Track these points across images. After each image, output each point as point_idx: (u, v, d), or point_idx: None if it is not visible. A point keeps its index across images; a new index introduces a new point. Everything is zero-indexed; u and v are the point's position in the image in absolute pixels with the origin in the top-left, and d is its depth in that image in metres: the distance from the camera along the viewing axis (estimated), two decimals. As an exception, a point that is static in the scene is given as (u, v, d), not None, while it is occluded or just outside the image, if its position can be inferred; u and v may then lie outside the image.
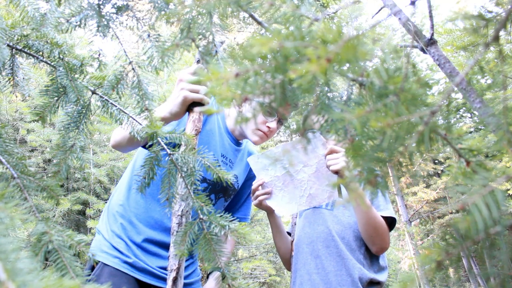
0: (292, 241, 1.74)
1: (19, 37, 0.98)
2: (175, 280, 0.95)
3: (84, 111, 1.04)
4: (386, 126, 0.36)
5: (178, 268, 0.95)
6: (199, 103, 1.17)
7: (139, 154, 1.74)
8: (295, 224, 1.78)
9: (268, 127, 1.67)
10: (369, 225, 1.50)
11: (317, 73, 0.31)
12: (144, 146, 1.58)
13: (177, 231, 0.98)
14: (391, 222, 1.57)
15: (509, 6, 0.36)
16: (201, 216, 0.99)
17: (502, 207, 0.38)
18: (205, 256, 0.96)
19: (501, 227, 0.38)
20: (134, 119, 1.04)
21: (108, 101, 1.04)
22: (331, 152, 1.48)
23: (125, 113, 1.04)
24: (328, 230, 1.60)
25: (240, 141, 1.82)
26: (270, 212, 1.69)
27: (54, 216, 4.45)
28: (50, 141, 4.67)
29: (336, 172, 1.43)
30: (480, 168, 0.39)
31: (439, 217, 9.70)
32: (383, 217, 1.54)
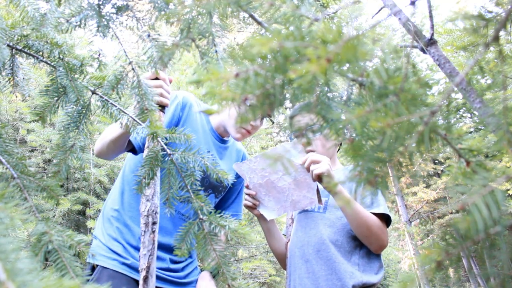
0: (287, 243, 1.74)
1: (19, 37, 0.98)
2: (145, 279, 0.95)
3: (84, 111, 1.04)
4: (386, 126, 0.36)
5: (148, 267, 0.96)
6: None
7: (129, 160, 1.75)
8: (290, 225, 1.78)
9: (252, 125, 1.67)
10: (360, 227, 1.49)
11: (317, 73, 0.31)
12: (130, 151, 1.59)
13: (144, 231, 0.99)
14: (386, 218, 1.56)
15: (509, 6, 0.36)
16: (201, 216, 0.99)
17: (502, 207, 0.38)
18: (204, 256, 0.96)
19: (501, 227, 0.38)
20: (134, 119, 1.04)
21: (108, 101, 1.04)
22: (308, 160, 1.50)
23: (125, 113, 1.04)
24: (319, 234, 1.58)
25: (226, 138, 1.80)
26: (258, 216, 1.72)
27: (54, 216, 4.45)
28: (50, 141, 4.67)
29: (319, 177, 1.45)
30: (480, 168, 0.39)
31: (439, 217, 9.70)
32: (377, 214, 1.52)
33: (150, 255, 0.96)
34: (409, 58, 0.39)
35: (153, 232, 0.98)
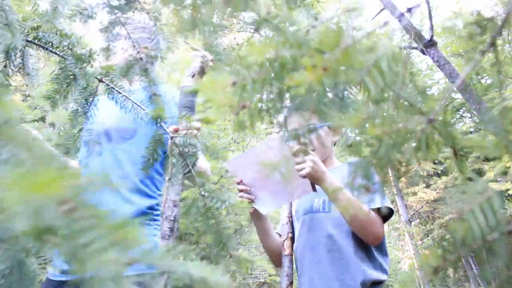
0: (284, 241, 1.71)
1: (30, 29, 1.02)
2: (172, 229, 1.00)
3: (91, 98, 1.09)
4: (383, 133, 0.36)
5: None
6: None
7: None
8: (286, 223, 1.75)
9: None
10: (352, 220, 1.49)
11: (313, 82, 0.32)
12: None
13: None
14: (388, 211, 1.54)
15: (504, 14, 0.36)
16: (203, 193, 1.01)
17: (499, 214, 0.38)
18: (207, 229, 1.00)
19: (498, 234, 0.38)
20: (138, 105, 1.08)
21: (114, 88, 1.07)
22: (296, 154, 1.48)
23: (130, 99, 1.08)
24: (328, 235, 1.57)
25: None
26: (251, 214, 1.68)
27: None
28: (50, 141, 4.67)
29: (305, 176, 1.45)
30: (476, 175, 0.39)
31: (439, 217, 9.71)
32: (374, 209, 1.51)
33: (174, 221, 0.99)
34: (407, 64, 0.39)
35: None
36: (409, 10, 0.86)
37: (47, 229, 0.32)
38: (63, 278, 1.51)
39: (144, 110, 1.07)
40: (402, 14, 2.66)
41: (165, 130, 1.08)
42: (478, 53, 0.38)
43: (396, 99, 0.37)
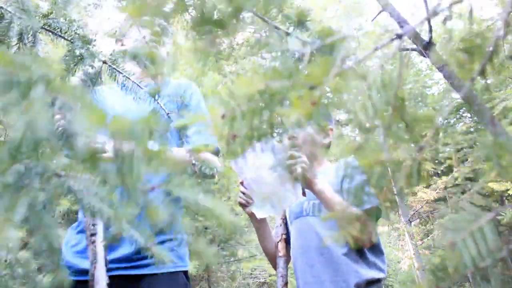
0: (278, 242, 1.71)
1: (41, 16, 1.11)
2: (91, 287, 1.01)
3: (95, 78, 1.15)
4: (374, 162, 0.36)
5: (93, 275, 1.00)
6: None
7: None
8: (280, 225, 1.76)
9: None
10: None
11: (302, 116, 0.31)
12: None
13: (87, 244, 1.08)
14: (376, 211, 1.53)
15: (495, 39, 0.36)
16: (193, 162, 1.09)
17: (490, 242, 0.38)
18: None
19: (491, 261, 0.38)
20: (138, 85, 1.14)
21: (116, 69, 1.14)
22: (289, 157, 1.48)
23: (130, 79, 1.14)
24: (319, 238, 1.57)
25: None
26: (250, 215, 1.68)
27: (54, 216, 4.45)
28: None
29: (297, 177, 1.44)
30: (467, 204, 0.39)
31: (439, 217, 9.71)
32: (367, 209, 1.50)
33: (92, 265, 1.01)
34: (397, 90, 0.39)
35: (92, 243, 1.03)
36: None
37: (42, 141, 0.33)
38: (81, 278, 1.50)
39: (142, 88, 1.13)
40: (401, 15, 2.64)
41: (161, 107, 1.15)
42: (468, 81, 0.38)
43: (386, 127, 0.37)
